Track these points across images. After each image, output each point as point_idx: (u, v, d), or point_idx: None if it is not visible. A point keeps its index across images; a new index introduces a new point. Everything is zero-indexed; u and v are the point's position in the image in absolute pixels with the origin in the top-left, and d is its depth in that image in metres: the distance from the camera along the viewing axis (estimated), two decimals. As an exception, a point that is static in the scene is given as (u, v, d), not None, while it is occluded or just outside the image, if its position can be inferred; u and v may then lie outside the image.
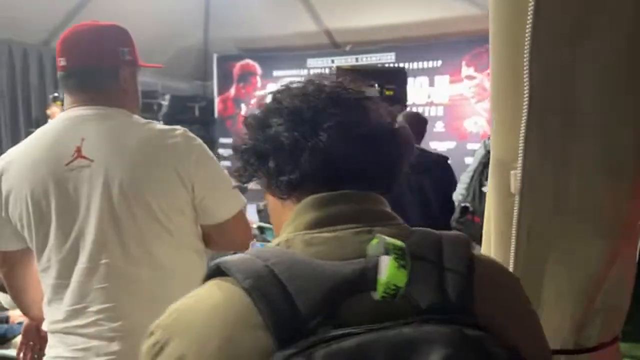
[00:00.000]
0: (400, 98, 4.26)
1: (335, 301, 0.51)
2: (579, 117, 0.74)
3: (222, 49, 6.30)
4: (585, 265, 0.84)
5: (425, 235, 0.61)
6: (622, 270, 0.88)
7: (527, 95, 0.71)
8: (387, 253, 0.52)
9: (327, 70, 5.41)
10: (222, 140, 6.20)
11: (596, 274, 0.85)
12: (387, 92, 4.09)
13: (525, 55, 0.70)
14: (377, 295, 0.52)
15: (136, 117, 1.34)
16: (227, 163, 6.33)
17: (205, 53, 6.43)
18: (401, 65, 5.19)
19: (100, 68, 1.32)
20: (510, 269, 0.87)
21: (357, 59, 5.60)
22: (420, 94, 5.49)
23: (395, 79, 4.27)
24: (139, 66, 1.41)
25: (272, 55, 6.08)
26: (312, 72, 5.85)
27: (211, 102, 6.40)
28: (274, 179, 0.65)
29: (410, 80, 5.34)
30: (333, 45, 5.93)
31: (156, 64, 1.71)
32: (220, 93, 6.33)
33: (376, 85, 3.96)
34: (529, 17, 0.67)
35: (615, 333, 0.95)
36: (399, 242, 0.53)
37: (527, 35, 0.68)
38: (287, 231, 0.63)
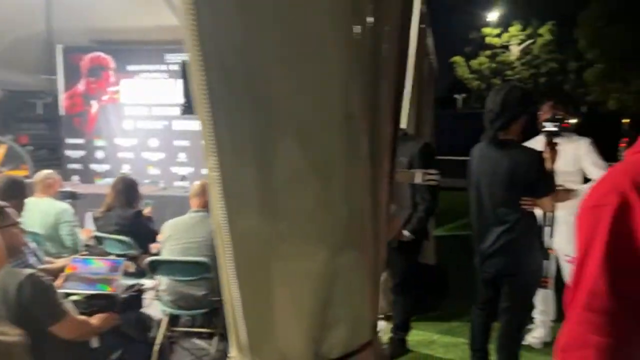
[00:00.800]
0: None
1: None
2: (276, 115, 0.67)
3: (69, 39, 5.66)
4: (311, 275, 0.78)
5: None
6: (358, 280, 0.84)
7: (206, 92, 0.62)
8: None
9: (188, 67, 5.12)
10: (70, 140, 5.59)
11: (324, 284, 0.79)
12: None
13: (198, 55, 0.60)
14: None
15: None
16: (77, 166, 5.74)
17: (49, 43, 5.73)
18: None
19: None
20: (235, 283, 0.78)
21: (219, 56, 5.39)
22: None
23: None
24: None
25: (127, 49, 5.61)
26: (170, 67, 5.52)
27: (57, 98, 5.72)
28: None
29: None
30: (195, 40, 5.65)
31: None
32: (67, 88, 5.69)
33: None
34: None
35: (364, 340, 0.92)
36: None
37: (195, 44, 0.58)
38: None
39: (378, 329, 3.37)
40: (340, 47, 0.67)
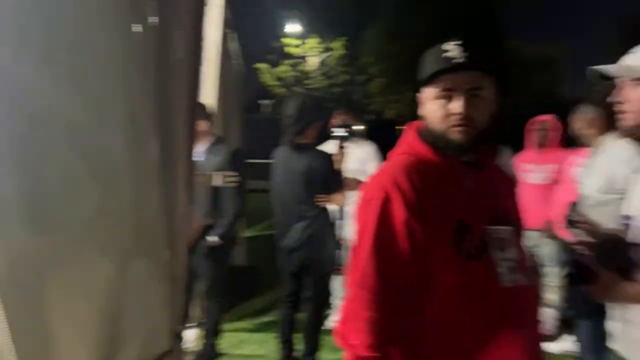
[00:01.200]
0: None
1: None
2: (41, 115, 0.60)
3: None
4: (95, 288, 0.73)
5: None
6: (151, 289, 0.81)
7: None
8: None
9: None
10: None
11: (110, 296, 0.75)
12: None
13: None
14: None
15: None
16: None
17: None
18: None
19: None
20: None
21: None
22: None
23: None
24: None
25: None
26: None
27: None
28: None
29: None
30: None
31: None
32: None
33: None
34: None
35: (161, 350, 0.89)
36: None
37: None
38: None
39: (192, 336, 3.27)
40: (118, 45, 0.64)
